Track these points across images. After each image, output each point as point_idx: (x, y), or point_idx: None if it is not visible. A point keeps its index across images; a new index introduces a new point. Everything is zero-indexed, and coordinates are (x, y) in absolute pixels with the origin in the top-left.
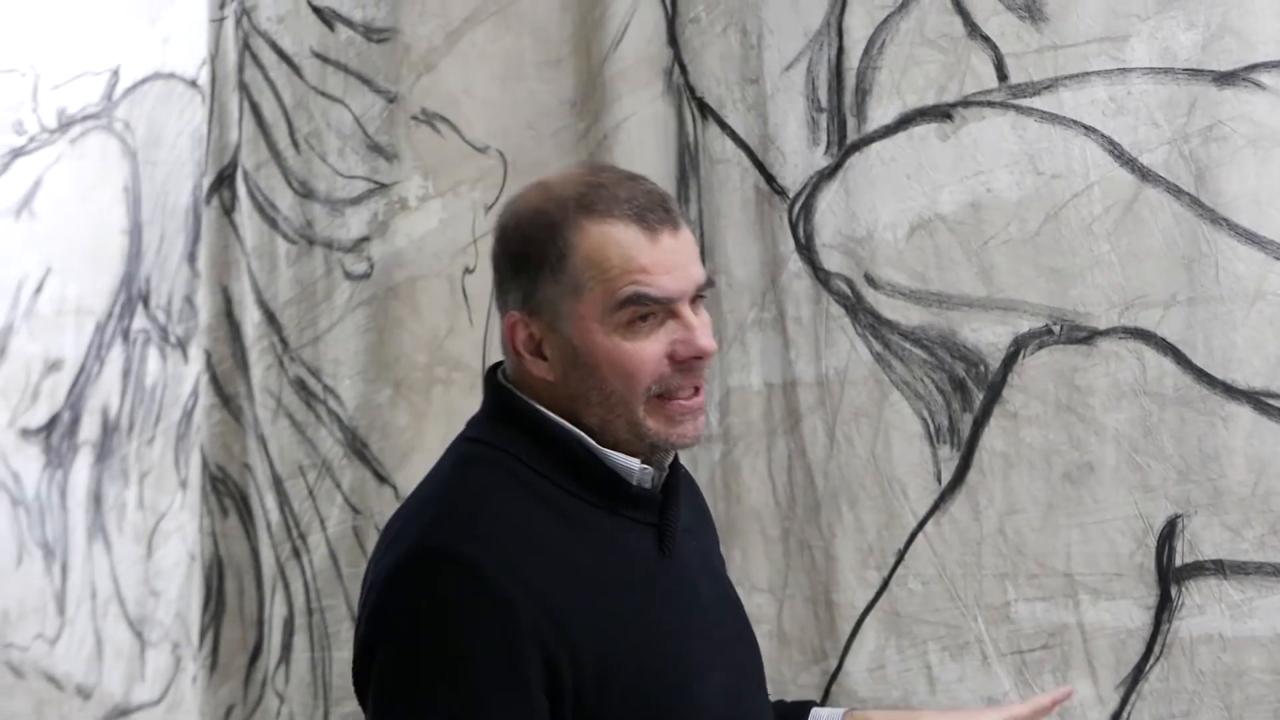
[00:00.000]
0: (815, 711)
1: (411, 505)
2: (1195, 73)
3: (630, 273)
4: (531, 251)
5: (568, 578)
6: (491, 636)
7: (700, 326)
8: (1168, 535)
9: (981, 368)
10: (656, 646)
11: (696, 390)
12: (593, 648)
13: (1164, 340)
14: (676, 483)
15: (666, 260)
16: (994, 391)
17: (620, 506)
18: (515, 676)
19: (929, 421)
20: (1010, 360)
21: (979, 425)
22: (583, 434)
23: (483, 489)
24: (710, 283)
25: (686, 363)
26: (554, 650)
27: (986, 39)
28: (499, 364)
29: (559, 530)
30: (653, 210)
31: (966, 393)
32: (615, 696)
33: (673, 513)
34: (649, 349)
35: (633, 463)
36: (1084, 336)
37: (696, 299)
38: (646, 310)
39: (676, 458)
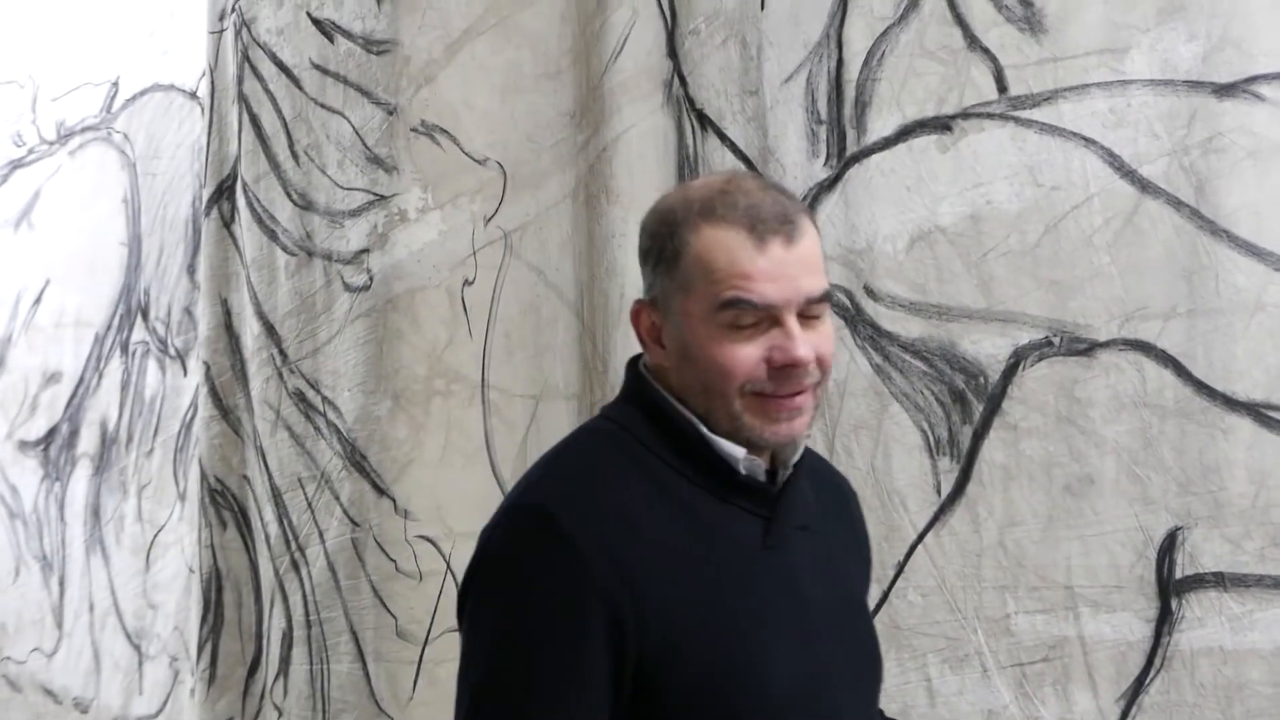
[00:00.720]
0: None
1: (530, 469)
2: (1195, 84)
3: (733, 278)
4: (654, 247)
5: (652, 548)
6: (560, 586)
7: (800, 337)
8: (1168, 548)
9: (981, 379)
10: (733, 628)
11: (797, 393)
12: (664, 616)
13: (1164, 352)
14: (798, 480)
15: (773, 270)
16: (994, 403)
17: (728, 493)
18: (578, 625)
19: (929, 433)
20: (1010, 372)
21: (979, 437)
22: (696, 419)
23: (588, 458)
24: (828, 296)
25: (782, 369)
26: (622, 610)
27: (986, 51)
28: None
29: (658, 506)
30: (768, 220)
31: (966, 405)
32: (679, 669)
33: (785, 507)
34: (746, 351)
35: (738, 450)
36: (1084, 348)
37: (814, 310)
38: (747, 315)
39: (809, 460)
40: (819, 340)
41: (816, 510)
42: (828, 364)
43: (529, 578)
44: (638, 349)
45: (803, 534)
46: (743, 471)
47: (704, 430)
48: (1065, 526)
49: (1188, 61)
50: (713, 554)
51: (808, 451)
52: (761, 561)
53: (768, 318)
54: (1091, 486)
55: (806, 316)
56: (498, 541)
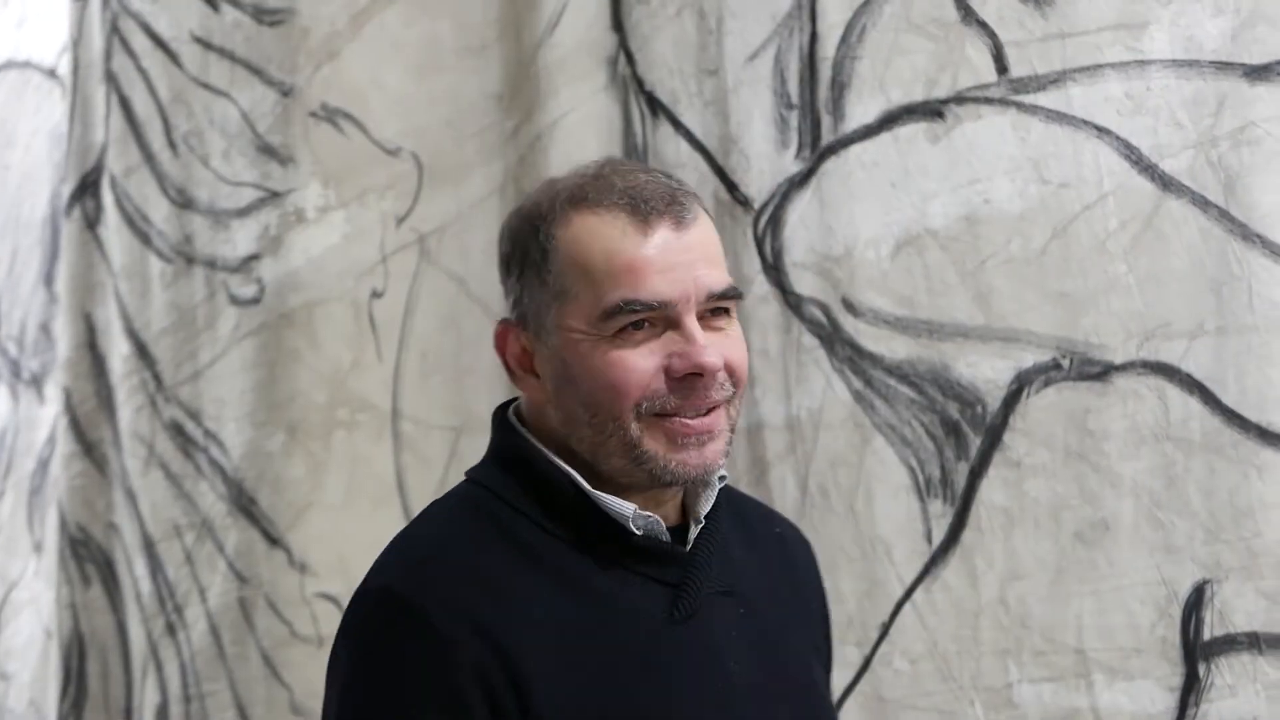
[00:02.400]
0: None
1: (388, 546)
2: (1224, 66)
3: (615, 274)
4: (516, 251)
5: (530, 625)
6: (427, 675)
7: (703, 338)
8: (1195, 604)
9: (979, 409)
10: (634, 713)
11: (708, 412)
12: (550, 698)
13: (1189, 376)
14: (716, 534)
15: (661, 259)
16: (993, 436)
17: (624, 559)
18: (454, 709)
19: (918, 471)
20: (1012, 400)
21: (976, 476)
22: (574, 473)
23: (442, 529)
24: (735, 292)
25: (685, 380)
26: (500, 692)
27: (983, 25)
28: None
29: (532, 577)
30: (651, 200)
31: (961, 438)
32: None
33: (699, 570)
34: (639, 361)
35: (626, 507)
36: (1097, 372)
37: (718, 310)
38: (639, 318)
39: (735, 505)
40: (728, 345)
41: (746, 568)
42: (741, 374)
43: (384, 674)
44: None
45: (727, 600)
46: (636, 531)
47: (583, 484)
48: (1076, 580)
49: (1215, 39)
50: (606, 630)
51: (730, 494)
52: (670, 638)
53: (662, 319)
54: (1106, 533)
55: (710, 319)
56: (346, 633)
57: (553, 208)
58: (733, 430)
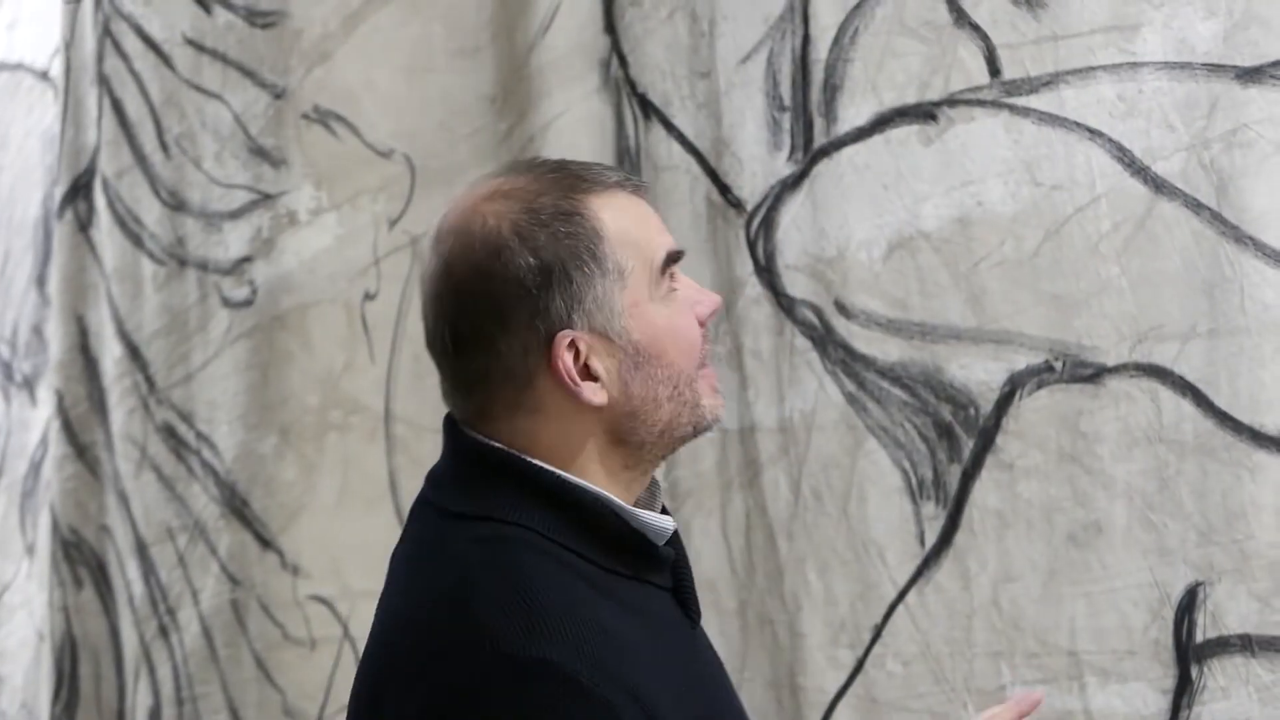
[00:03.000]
0: None
1: (435, 600)
2: (1216, 68)
3: (650, 234)
4: (558, 255)
5: (647, 672)
6: None
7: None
8: (1187, 606)
9: (971, 411)
10: None
11: None
12: None
13: (1182, 379)
14: (677, 529)
15: (659, 220)
16: (986, 439)
17: (642, 572)
18: None
19: (910, 474)
20: (1005, 402)
21: (969, 478)
22: (611, 496)
23: (551, 582)
24: None
25: (705, 325)
26: None
27: (976, 28)
28: (453, 421)
29: (614, 613)
30: (620, 174)
31: (954, 440)
32: None
33: (688, 571)
34: (689, 315)
35: (666, 521)
36: (1090, 374)
37: None
38: (678, 264)
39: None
40: None
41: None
42: None
43: None
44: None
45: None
46: (661, 543)
47: (624, 507)
48: (1069, 582)
49: (1207, 42)
50: (673, 653)
51: None
52: (696, 643)
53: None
54: (1099, 535)
55: None
56: (502, 707)
57: (569, 201)
58: None
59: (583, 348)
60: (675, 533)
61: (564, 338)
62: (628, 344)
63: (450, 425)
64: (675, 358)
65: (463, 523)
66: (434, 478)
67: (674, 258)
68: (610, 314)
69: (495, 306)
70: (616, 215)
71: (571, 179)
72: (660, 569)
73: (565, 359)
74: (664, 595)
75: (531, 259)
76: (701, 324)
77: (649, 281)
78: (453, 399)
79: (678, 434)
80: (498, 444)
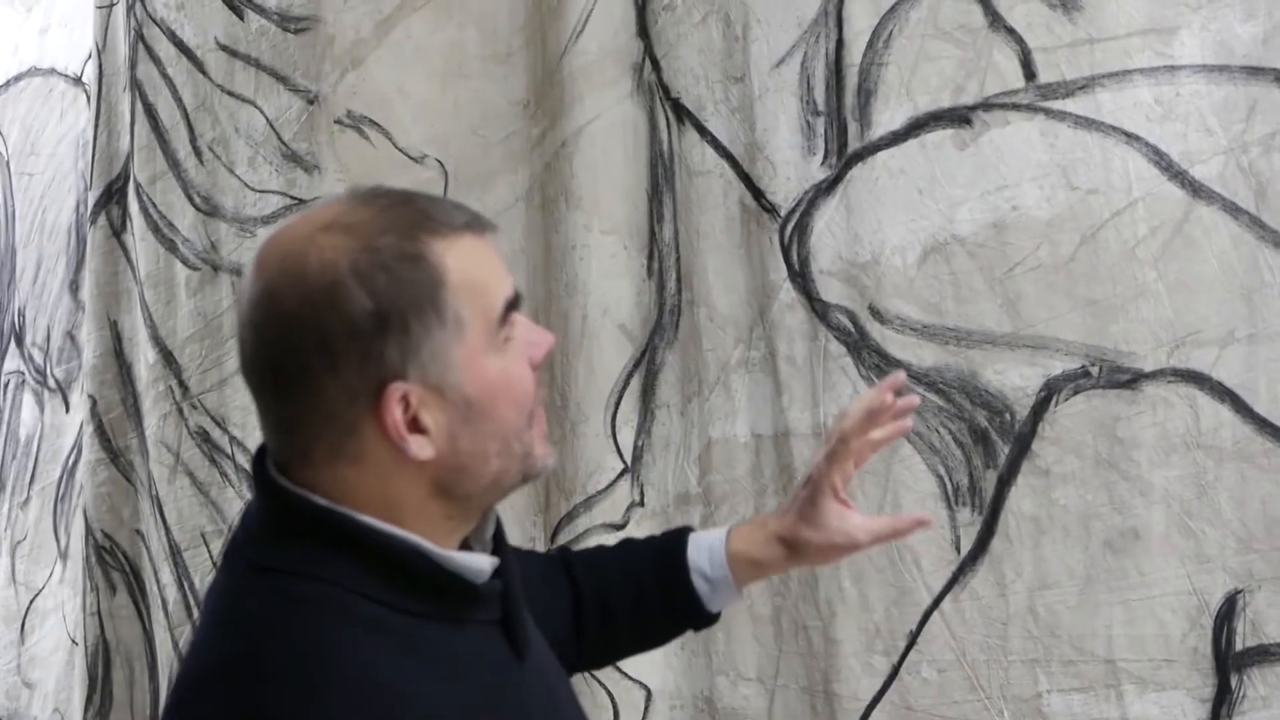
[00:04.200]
0: (694, 538)
1: (216, 669)
2: (1254, 71)
3: (493, 280)
4: (395, 300)
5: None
6: None
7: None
8: (1226, 614)
9: (1007, 416)
10: None
11: None
12: None
13: (1220, 384)
14: (507, 559)
15: (500, 263)
16: (1022, 444)
17: (462, 611)
18: None
19: (946, 480)
20: (1041, 408)
21: (1004, 484)
22: (418, 539)
23: (331, 649)
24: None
25: (538, 366)
26: None
27: (1011, 31)
28: (262, 458)
29: (414, 668)
30: (468, 212)
31: (990, 446)
32: None
33: (517, 603)
34: (523, 360)
35: (482, 560)
36: (1127, 380)
37: None
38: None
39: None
40: None
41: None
42: None
43: None
44: (607, 375)
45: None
46: (480, 581)
47: (431, 550)
48: (1106, 589)
49: (1245, 44)
50: (482, 699)
51: None
52: (522, 680)
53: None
54: (1136, 542)
55: None
56: None
57: (415, 243)
58: None
59: (413, 400)
60: (504, 563)
61: (395, 390)
62: (459, 398)
63: (260, 466)
64: (506, 412)
65: (266, 577)
66: (247, 522)
67: (512, 305)
68: (445, 367)
69: (324, 348)
70: (460, 261)
71: (417, 217)
72: (483, 606)
73: (394, 412)
74: (490, 630)
75: (368, 302)
76: (534, 367)
77: (486, 332)
78: (269, 436)
79: (505, 484)
80: (311, 494)
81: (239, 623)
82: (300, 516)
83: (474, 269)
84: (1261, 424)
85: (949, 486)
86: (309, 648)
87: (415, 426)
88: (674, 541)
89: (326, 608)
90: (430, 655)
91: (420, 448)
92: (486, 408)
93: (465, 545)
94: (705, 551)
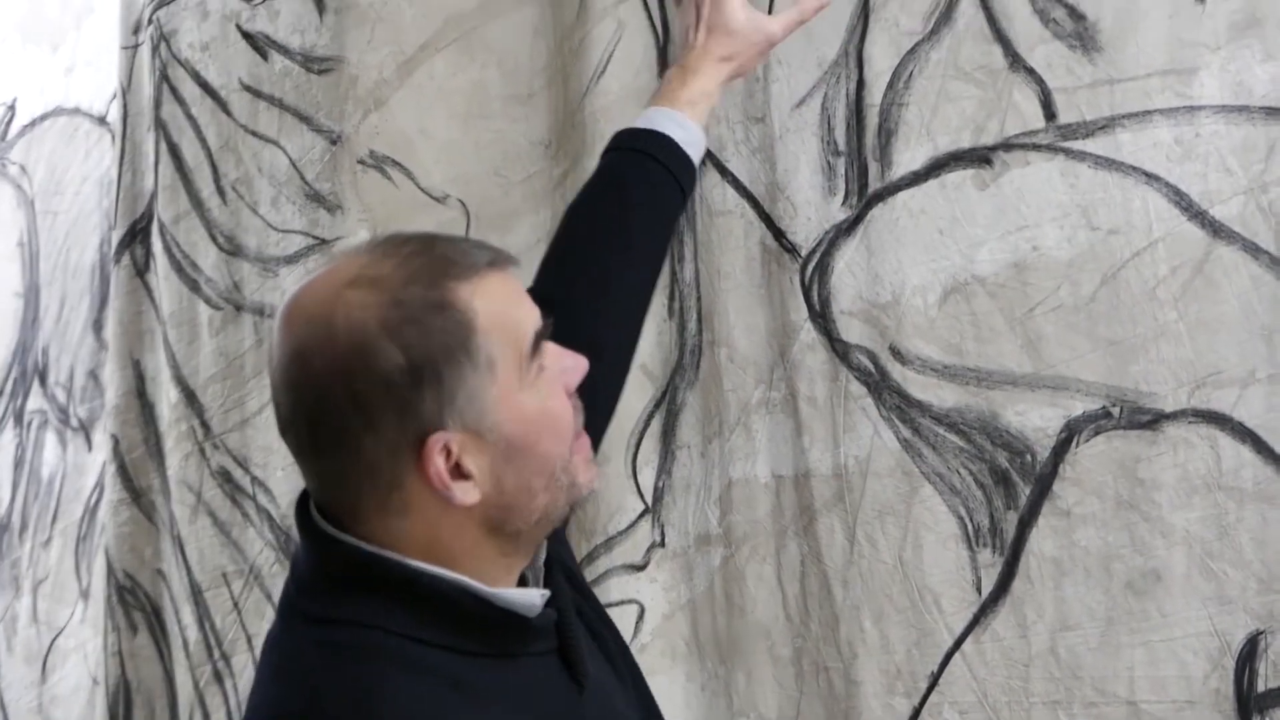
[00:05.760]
0: (629, 132)
1: None
2: (1274, 111)
3: (520, 318)
4: (429, 352)
5: None
6: None
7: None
8: (1249, 655)
9: (1028, 457)
10: None
11: None
12: None
13: (1241, 425)
14: (559, 586)
15: (523, 294)
16: (1043, 485)
17: (523, 647)
18: None
19: (967, 521)
20: (1062, 449)
21: (1025, 525)
22: (465, 579)
23: (389, 696)
24: None
25: (573, 394)
26: None
27: (1031, 72)
28: (306, 508)
29: (469, 708)
30: (491, 250)
31: (1011, 487)
32: None
33: (573, 632)
34: (559, 393)
35: (533, 594)
36: (1148, 420)
37: None
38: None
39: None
40: None
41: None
42: None
43: None
44: (628, 416)
45: (592, 641)
46: (534, 615)
47: (481, 590)
48: (1128, 631)
49: (1265, 84)
50: None
51: None
52: (582, 710)
53: None
54: (1158, 583)
55: None
56: None
57: (438, 289)
58: None
59: (454, 448)
60: (555, 592)
61: (436, 440)
62: (499, 439)
63: (305, 517)
64: (549, 445)
65: (320, 628)
66: (297, 574)
67: (541, 335)
68: (482, 410)
69: (360, 407)
70: (487, 302)
71: (441, 264)
72: (538, 638)
73: (437, 462)
74: (548, 660)
75: (400, 358)
76: (570, 390)
77: (519, 368)
78: (316, 493)
79: (554, 516)
80: (364, 545)
81: (295, 676)
82: (347, 564)
83: (501, 307)
84: None
85: (970, 528)
86: (362, 696)
87: (459, 473)
88: (624, 148)
89: (378, 655)
90: (485, 693)
91: (465, 493)
92: (528, 444)
93: (522, 579)
94: (669, 126)
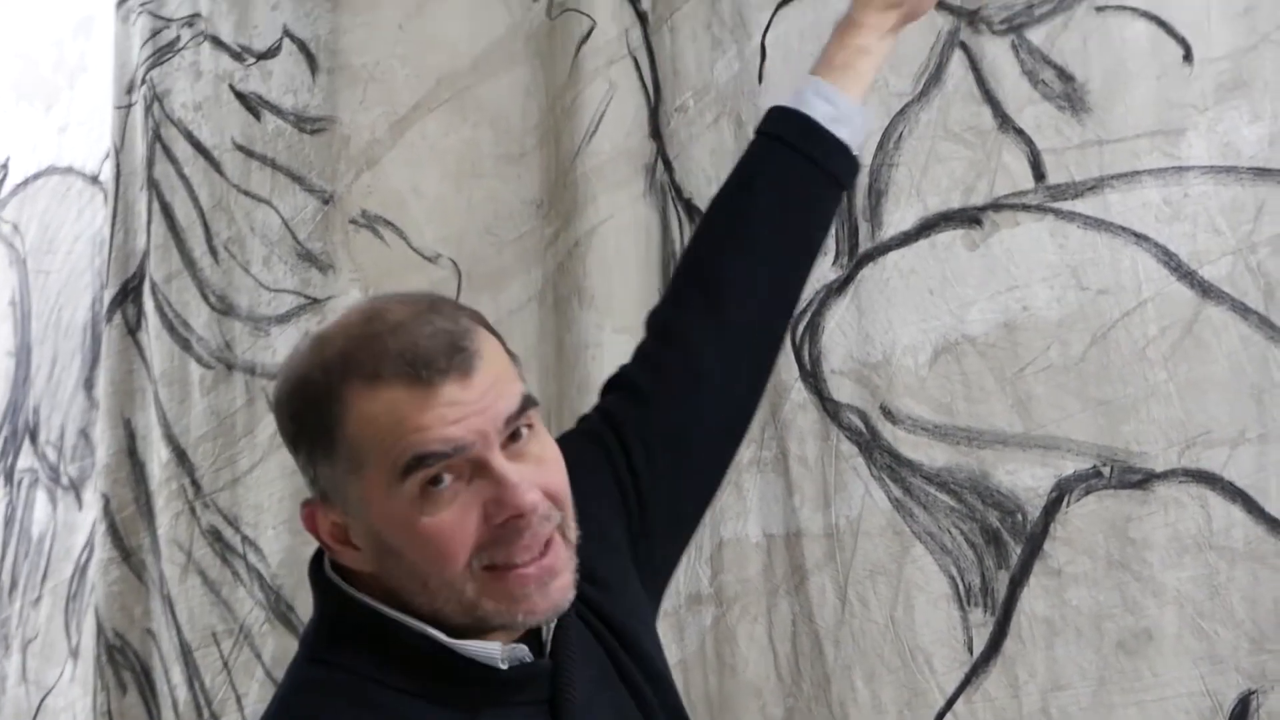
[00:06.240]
0: (780, 110)
1: None
2: (1262, 172)
3: (405, 435)
4: (302, 429)
5: None
6: None
7: (514, 475)
8: (1240, 715)
9: (1019, 517)
10: None
11: (542, 552)
12: None
13: (1232, 484)
14: (568, 638)
15: (451, 412)
16: (1034, 545)
17: (498, 697)
18: None
19: (958, 580)
20: (1052, 508)
21: (1017, 585)
22: (427, 629)
23: None
24: (530, 402)
25: (508, 525)
26: None
27: (1020, 132)
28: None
29: None
30: (431, 361)
31: (1002, 546)
32: None
33: (566, 675)
34: (453, 519)
35: (492, 648)
36: (1138, 480)
37: (519, 430)
38: (437, 471)
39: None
40: (540, 470)
41: (588, 629)
42: (561, 495)
43: None
44: None
45: (597, 687)
46: (505, 667)
47: (440, 639)
48: (1119, 690)
49: (1252, 145)
50: None
51: None
52: None
53: (466, 465)
54: (1149, 643)
55: (513, 443)
56: None
57: (329, 384)
58: (574, 553)
59: (335, 517)
60: (560, 642)
61: (307, 506)
62: (368, 530)
63: (317, 558)
64: (416, 558)
65: (306, 666)
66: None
67: (417, 463)
68: (346, 499)
69: (287, 440)
70: (371, 408)
71: (353, 357)
72: (523, 686)
73: (319, 523)
74: (539, 710)
75: (290, 424)
76: (494, 522)
77: (387, 480)
78: None
79: (461, 622)
80: (345, 587)
81: (277, 709)
82: (327, 601)
83: (386, 418)
84: (1273, 524)
85: (961, 587)
86: None
87: (349, 539)
88: (772, 133)
89: (333, 691)
90: None
91: (354, 560)
92: (395, 548)
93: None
94: (813, 103)
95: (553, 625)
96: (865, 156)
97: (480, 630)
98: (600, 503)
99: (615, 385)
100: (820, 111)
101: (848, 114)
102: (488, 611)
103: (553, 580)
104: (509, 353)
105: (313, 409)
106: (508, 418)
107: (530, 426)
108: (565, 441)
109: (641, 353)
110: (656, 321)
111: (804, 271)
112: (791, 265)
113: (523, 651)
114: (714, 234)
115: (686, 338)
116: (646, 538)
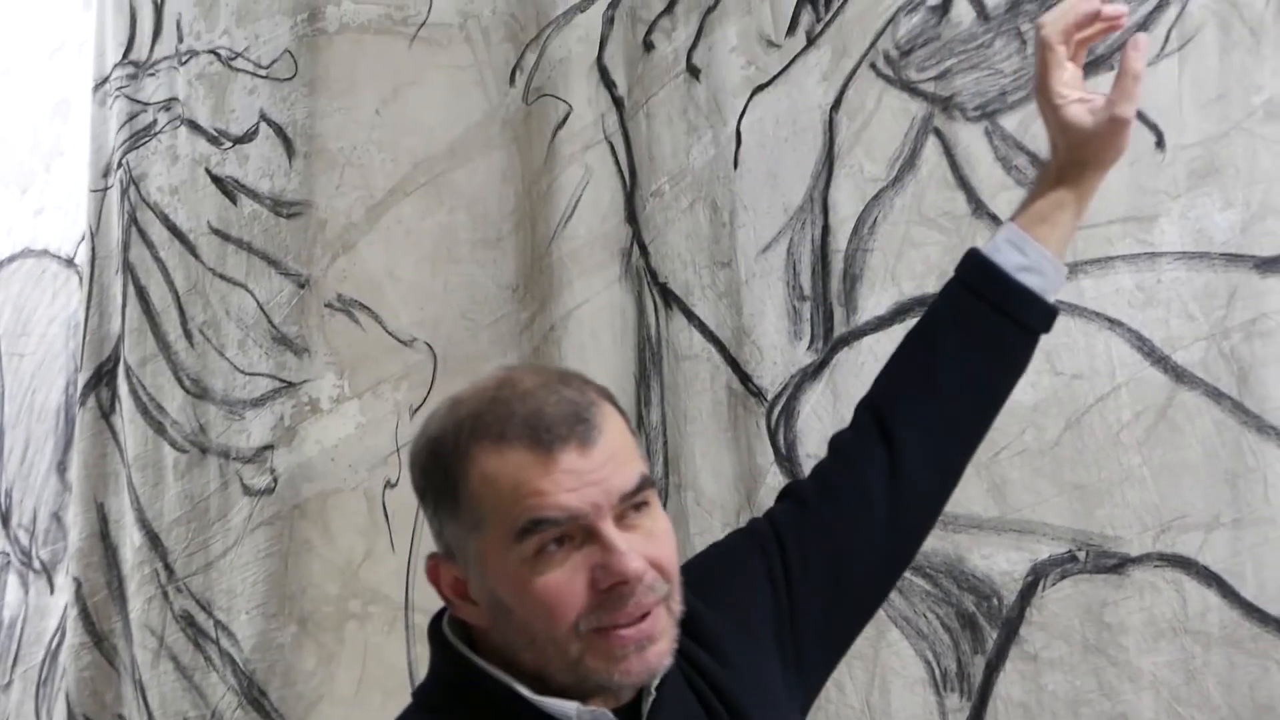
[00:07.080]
0: (976, 255)
1: None
2: (1234, 258)
3: (524, 498)
4: (429, 485)
5: None
6: None
7: (623, 545)
8: None
9: (994, 601)
10: None
11: (643, 616)
12: None
13: (1207, 569)
14: (666, 709)
15: (568, 480)
16: (1010, 629)
17: None
18: None
19: (934, 665)
20: (1028, 592)
21: (993, 670)
22: (513, 682)
23: None
24: (647, 483)
25: (613, 590)
26: None
27: (994, 218)
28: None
29: None
30: (555, 426)
31: (977, 631)
32: None
33: None
34: (563, 580)
35: (567, 707)
36: (1114, 564)
37: (634, 508)
38: (552, 536)
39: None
40: (651, 543)
41: (698, 699)
42: (669, 568)
43: None
44: None
45: None
46: None
47: (523, 692)
48: None
49: (1224, 231)
50: None
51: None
52: None
53: (579, 531)
54: None
55: (629, 517)
56: None
57: (457, 442)
58: (677, 623)
59: (457, 572)
60: (660, 701)
61: (431, 560)
62: (484, 586)
63: (437, 616)
64: (525, 615)
65: (408, 713)
66: None
67: (533, 526)
68: (465, 556)
69: (419, 495)
70: (492, 472)
71: (482, 420)
72: None
73: (441, 576)
74: None
75: (420, 480)
76: (599, 587)
77: (504, 540)
78: None
79: (566, 680)
80: (450, 639)
81: None
82: (433, 659)
83: (510, 479)
84: (1248, 609)
85: (937, 672)
86: None
87: (468, 594)
88: (966, 281)
89: None
90: None
91: (470, 615)
92: (508, 605)
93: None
94: (1003, 250)
95: (652, 697)
96: (840, 241)
97: (583, 691)
98: (748, 594)
99: (788, 494)
100: (1009, 260)
101: (1038, 263)
102: (589, 670)
103: (651, 645)
104: (632, 431)
105: (441, 466)
106: (623, 494)
107: (649, 505)
108: (732, 535)
109: (818, 468)
110: (837, 443)
111: (981, 415)
112: (970, 407)
113: (603, 714)
114: (896, 371)
115: (857, 468)
116: (795, 642)
